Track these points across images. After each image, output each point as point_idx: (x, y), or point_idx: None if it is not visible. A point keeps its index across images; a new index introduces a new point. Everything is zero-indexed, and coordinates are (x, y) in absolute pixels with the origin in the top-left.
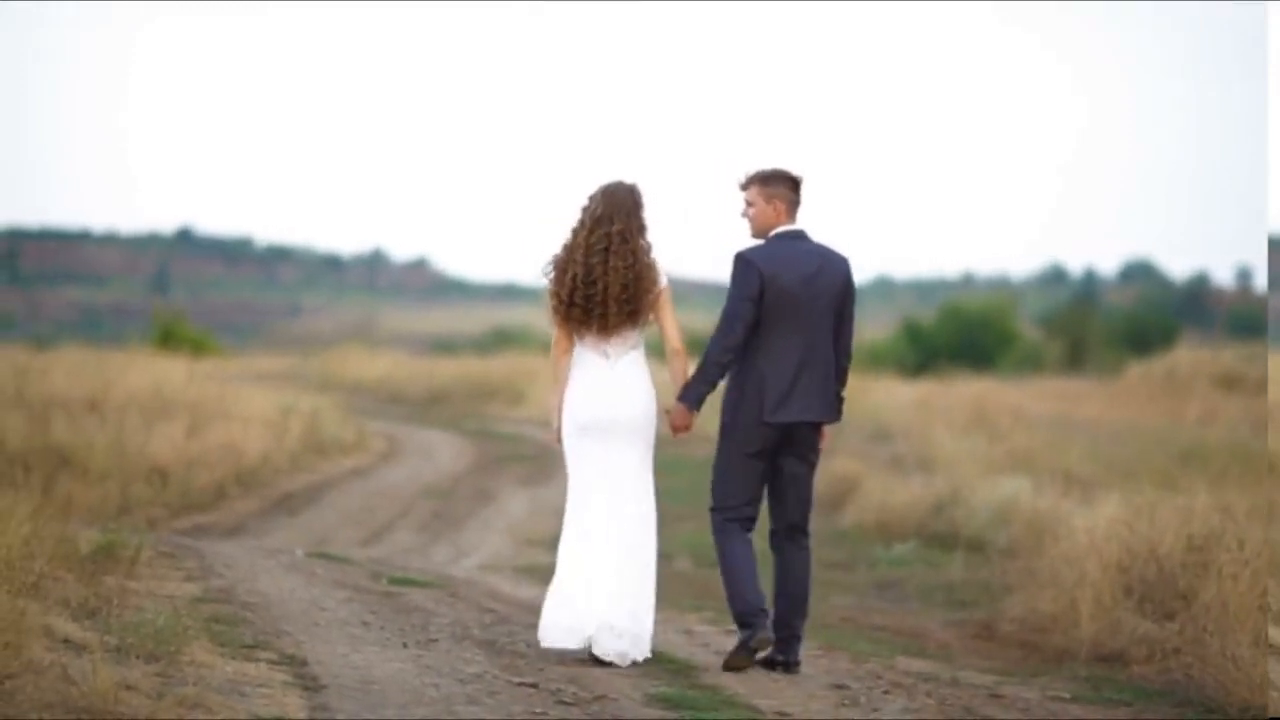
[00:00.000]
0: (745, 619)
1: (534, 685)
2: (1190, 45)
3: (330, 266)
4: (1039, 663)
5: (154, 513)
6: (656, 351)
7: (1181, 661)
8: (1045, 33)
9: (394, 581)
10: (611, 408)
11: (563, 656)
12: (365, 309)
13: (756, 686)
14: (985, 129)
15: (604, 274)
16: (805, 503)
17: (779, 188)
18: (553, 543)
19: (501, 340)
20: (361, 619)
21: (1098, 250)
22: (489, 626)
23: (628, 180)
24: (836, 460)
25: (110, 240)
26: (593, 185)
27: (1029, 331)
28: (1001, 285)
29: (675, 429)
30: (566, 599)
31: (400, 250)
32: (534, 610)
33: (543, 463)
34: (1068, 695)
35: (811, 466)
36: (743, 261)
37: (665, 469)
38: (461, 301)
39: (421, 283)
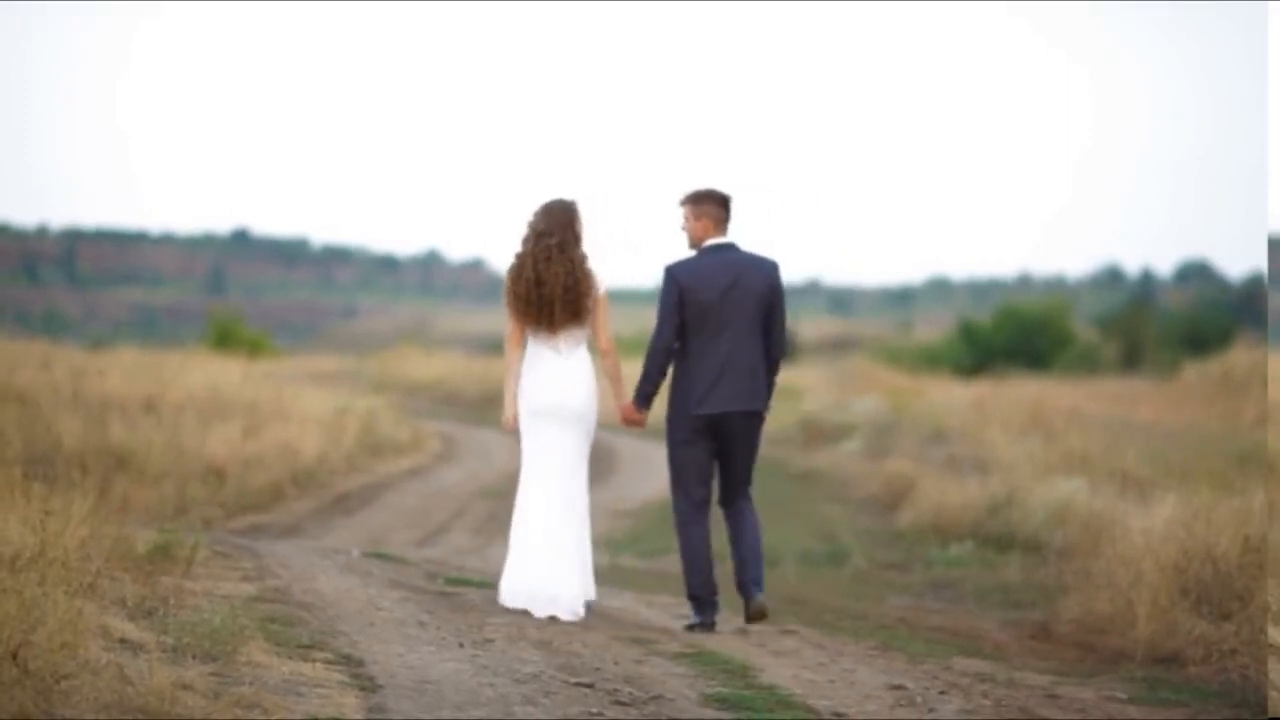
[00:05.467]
0: (695, 600)
1: (590, 685)
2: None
3: (386, 267)
4: (1095, 663)
5: (210, 513)
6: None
7: (1238, 662)
8: (1117, 31)
9: (450, 581)
10: (562, 395)
11: (614, 649)
12: (421, 309)
13: (812, 686)
14: (1044, 128)
15: (550, 277)
16: (745, 474)
17: (706, 206)
18: (608, 544)
19: None
20: (418, 619)
21: (1154, 251)
22: (545, 626)
23: (567, 198)
24: (891, 461)
25: (167, 241)
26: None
27: (1085, 332)
28: (1058, 286)
29: (627, 422)
30: (521, 565)
31: (456, 251)
32: (591, 610)
33: (599, 464)
34: (1124, 696)
35: (748, 448)
36: (666, 274)
37: None
38: None
39: (477, 283)
